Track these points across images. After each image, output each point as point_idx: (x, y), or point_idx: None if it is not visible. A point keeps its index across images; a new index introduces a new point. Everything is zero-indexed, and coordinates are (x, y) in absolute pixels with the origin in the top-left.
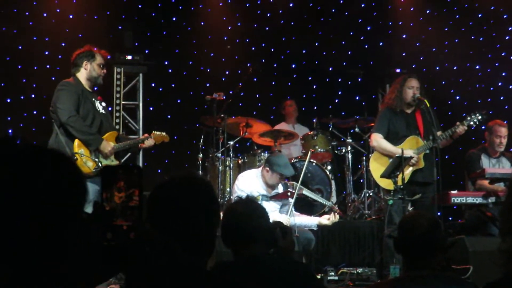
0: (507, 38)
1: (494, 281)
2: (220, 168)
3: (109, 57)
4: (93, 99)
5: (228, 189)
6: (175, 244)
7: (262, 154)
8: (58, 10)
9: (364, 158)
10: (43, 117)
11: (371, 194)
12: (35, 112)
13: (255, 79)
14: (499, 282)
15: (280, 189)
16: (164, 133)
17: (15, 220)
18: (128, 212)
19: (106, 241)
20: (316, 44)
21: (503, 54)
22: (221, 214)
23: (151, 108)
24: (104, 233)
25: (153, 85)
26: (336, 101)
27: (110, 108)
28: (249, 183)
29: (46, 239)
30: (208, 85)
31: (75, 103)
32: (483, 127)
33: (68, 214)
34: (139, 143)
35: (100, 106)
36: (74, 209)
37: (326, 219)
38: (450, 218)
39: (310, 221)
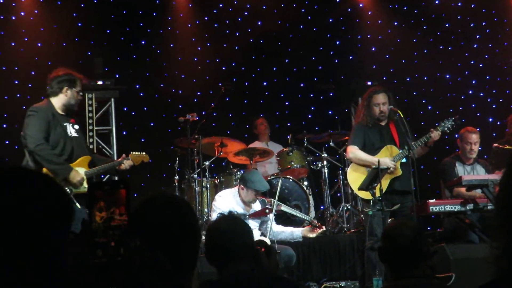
0: (475, 46)
1: (486, 284)
2: (197, 189)
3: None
4: (65, 123)
5: (206, 210)
6: (165, 261)
7: (238, 173)
8: (26, 39)
9: (340, 172)
10: (16, 147)
11: (349, 207)
12: (7, 142)
13: (227, 99)
14: (492, 284)
15: (258, 206)
16: (143, 153)
17: (3, 241)
18: (110, 232)
19: (96, 259)
20: (286, 61)
21: (472, 62)
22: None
23: (124, 133)
24: (93, 250)
25: (125, 109)
26: (309, 116)
27: None
28: (227, 202)
29: (36, 259)
30: (180, 106)
31: (45, 129)
32: (456, 136)
33: (57, 235)
34: (115, 166)
35: (72, 129)
36: (62, 229)
37: (309, 231)
38: (429, 228)
39: (295, 232)
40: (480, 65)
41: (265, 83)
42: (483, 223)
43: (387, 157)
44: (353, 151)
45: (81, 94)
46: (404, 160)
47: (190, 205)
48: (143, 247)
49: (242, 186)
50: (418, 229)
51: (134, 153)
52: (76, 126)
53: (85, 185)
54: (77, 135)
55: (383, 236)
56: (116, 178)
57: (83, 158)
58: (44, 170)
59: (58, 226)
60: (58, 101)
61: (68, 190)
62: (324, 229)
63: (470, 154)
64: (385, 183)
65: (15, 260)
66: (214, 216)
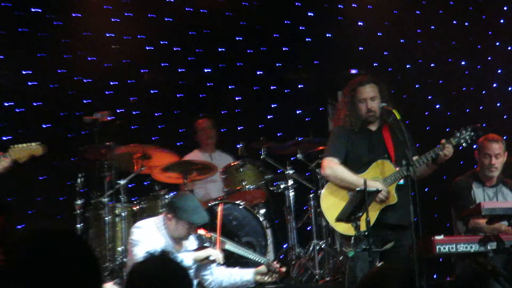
0: (501, 21)
1: None
2: (107, 218)
3: None
4: None
5: (120, 248)
6: None
7: (167, 196)
8: None
9: (311, 195)
10: None
11: (323, 246)
12: None
13: (153, 91)
14: None
15: (192, 244)
16: (32, 144)
17: None
18: None
19: None
20: (238, 38)
21: (497, 43)
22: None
23: (5, 138)
24: None
25: (5, 104)
26: (270, 117)
27: None
28: (149, 236)
29: None
30: (87, 101)
31: None
32: (474, 146)
33: None
34: None
35: None
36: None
37: (264, 274)
38: (435, 276)
39: (245, 276)
40: (509, 48)
41: (208, 70)
42: None
43: (377, 177)
44: (331, 167)
45: None
46: (401, 182)
47: (89, 245)
48: None
49: (170, 215)
50: (410, 278)
51: (16, 146)
52: None
53: None
54: None
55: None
56: None
57: None
58: None
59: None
60: None
61: None
62: (284, 270)
63: (490, 172)
64: (374, 213)
65: None
66: (134, 257)
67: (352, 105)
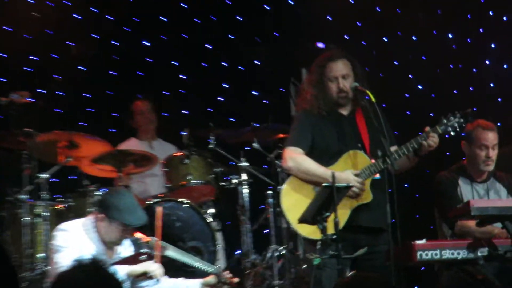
0: None
1: None
2: (26, 219)
3: None
4: None
5: (40, 255)
6: None
7: (98, 193)
8: None
9: (270, 192)
10: None
11: (283, 252)
12: None
13: (81, 68)
14: None
15: (127, 250)
16: None
17: None
18: None
19: None
20: (183, 5)
21: (490, 13)
22: None
23: None
24: None
25: None
26: (220, 99)
27: None
28: (74, 242)
29: None
30: (0, 80)
31: None
32: (462, 134)
33: None
34: None
35: None
36: None
37: (214, 284)
38: None
39: (191, 287)
40: (504, 18)
41: (146, 43)
42: (506, 279)
43: (349, 170)
44: (294, 158)
45: None
46: (377, 177)
47: (4, 250)
48: None
49: (102, 215)
50: None
51: None
52: None
53: None
54: None
55: None
56: None
57: None
58: None
59: None
60: None
61: None
62: (237, 281)
63: (486, 165)
64: (344, 212)
65: None
66: (57, 265)
67: (321, 85)
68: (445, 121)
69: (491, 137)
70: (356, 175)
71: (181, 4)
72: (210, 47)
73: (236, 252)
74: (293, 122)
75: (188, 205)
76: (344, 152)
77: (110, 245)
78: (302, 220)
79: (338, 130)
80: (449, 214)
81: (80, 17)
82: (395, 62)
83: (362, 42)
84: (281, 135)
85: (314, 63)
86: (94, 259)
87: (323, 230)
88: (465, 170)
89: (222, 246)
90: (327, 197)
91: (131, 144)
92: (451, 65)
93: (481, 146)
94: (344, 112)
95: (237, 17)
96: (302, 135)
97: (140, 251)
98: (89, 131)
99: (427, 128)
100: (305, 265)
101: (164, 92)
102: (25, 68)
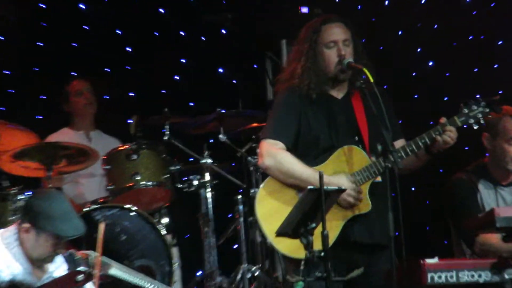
0: None
1: None
2: None
3: None
4: None
5: None
6: None
7: (21, 196)
8: None
9: (240, 197)
10: None
11: (257, 273)
12: None
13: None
14: None
15: (60, 269)
16: None
17: None
18: None
19: None
20: None
21: None
22: None
23: None
24: None
25: None
26: (177, 78)
27: None
28: None
29: None
30: None
31: None
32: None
33: None
34: None
35: None
36: None
37: None
38: None
39: None
40: None
41: (82, 6)
42: None
43: (342, 174)
44: (273, 154)
45: None
46: (379, 180)
47: None
48: None
49: (27, 225)
50: None
51: None
52: None
53: None
54: None
55: None
56: None
57: None
58: None
59: None
60: None
61: None
62: None
63: None
64: (336, 224)
65: None
66: None
67: (314, 52)
68: (465, 110)
69: None
70: (352, 181)
71: None
72: (164, 12)
73: (197, 273)
74: (272, 107)
75: (136, 213)
76: (336, 148)
77: (38, 262)
78: (282, 232)
79: (329, 118)
80: (468, 226)
81: None
82: (399, 32)
83: (358, 6)
84: (255, 124)
85: (304, 29)
86: (13, 282)
87: (308, 246)
88: (487, 170)
89: (179, 264)
90: (313, 203)
91: (64, 135)
92: (470, 36)
93: (510, 140)
94: (338, 94)
95: None
96: (284, 124)
97: (77, 269)
98: (10, 118)
99: (443, 120)
100: None
101: (105, 70)
102: None
